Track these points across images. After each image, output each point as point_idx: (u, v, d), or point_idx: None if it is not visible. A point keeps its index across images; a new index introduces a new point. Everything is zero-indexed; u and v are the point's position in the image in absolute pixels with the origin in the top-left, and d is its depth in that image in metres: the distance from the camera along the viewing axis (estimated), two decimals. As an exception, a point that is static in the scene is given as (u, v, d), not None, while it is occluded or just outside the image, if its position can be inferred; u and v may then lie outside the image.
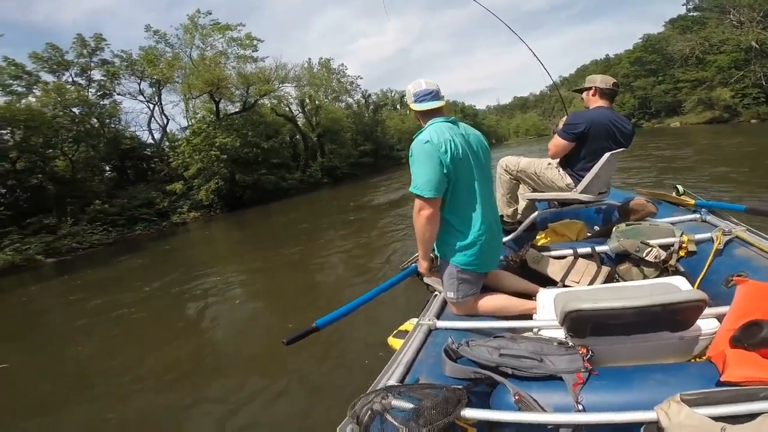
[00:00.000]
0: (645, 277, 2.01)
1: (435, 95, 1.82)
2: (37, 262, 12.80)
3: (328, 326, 1.55)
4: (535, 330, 1.52)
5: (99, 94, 22.04)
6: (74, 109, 19.43)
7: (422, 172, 1.66)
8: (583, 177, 2.48)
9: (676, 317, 1.22)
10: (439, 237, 1.83)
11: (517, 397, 1.13)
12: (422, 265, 1.93)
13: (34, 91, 18.63)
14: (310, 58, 33.59)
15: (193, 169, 20.26)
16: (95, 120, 20.71)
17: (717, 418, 0.90)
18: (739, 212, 2.13)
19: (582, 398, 1.09)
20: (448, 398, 1.12)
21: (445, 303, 1.90)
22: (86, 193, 17.26)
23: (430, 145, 1.66)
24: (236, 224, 15.73)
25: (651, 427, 0.94)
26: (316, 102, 30.57)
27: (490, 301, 1.85)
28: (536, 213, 2.79)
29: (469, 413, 1.07)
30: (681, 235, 2.00)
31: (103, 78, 22.35)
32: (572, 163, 2.55)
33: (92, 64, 21.79)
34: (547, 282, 2.12)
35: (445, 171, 1.66)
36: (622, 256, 2.12)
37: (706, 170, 8.66)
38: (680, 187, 2.67)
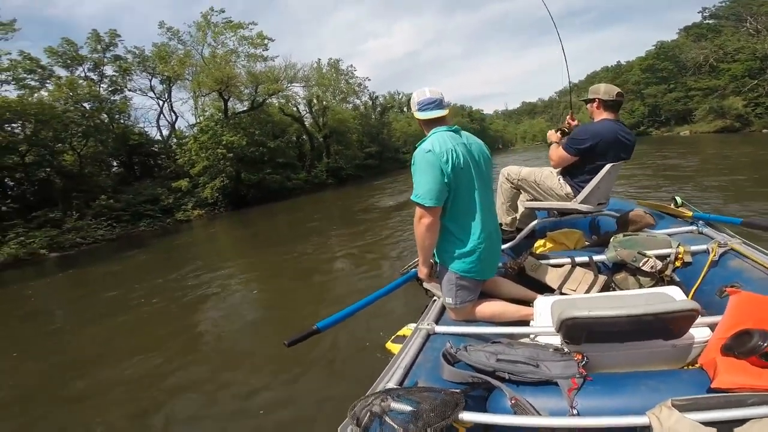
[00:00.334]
0: (641, 286, 2.02)
1: (438, 104, 1.83)
2: (41, 256, 12.77)
3: (329, 329, 1.57)
4: (531, 336, 1.54)
5: (110, 89, 22.11)
6: (85, 104, 19.44)
7: (424, 181, 1.68)
8: (583, 187, 2.50)
9: (669, 326, 1.24)
10: (439, 244, 1.85)
11: (513, 401, 1.15)
12: (422, 271, 1.96)
13: (46, 85, 18.70)
14: (319, 59, 33.51)
15: (199, 166, 20.26)
16: (105, 115, 20.74)
17: (707, 423, 0.92)
18: (735, 225, 2.15)
19: (576, 403, 1.11)
20: (446, 401, 1.14)
21: (443, 308, 1.92)
22: (93, 187, 17.24)
23: (432, 155, 1.68)
24: (240, 223, 15.72)
25: (643, 431, 0.96)
26: (324, 102, 30.50)
27: (488, 307, 1.88)
28: (535, 221, 2.81)
29: (467, 416, 1.09)
30: (677, 246, 2.02)
31: (114, 74, 22.44)
32: (573, 173, 2.57)
33: (105, 60, 21.86)
34: (545, 289, 2.13)
35: (446, 180, 1.68)
36: (618, 266, 2.13)
37: (708, 180, 8.69)
38: (679, 199, 2.69)
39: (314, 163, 28.11)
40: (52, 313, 6.81)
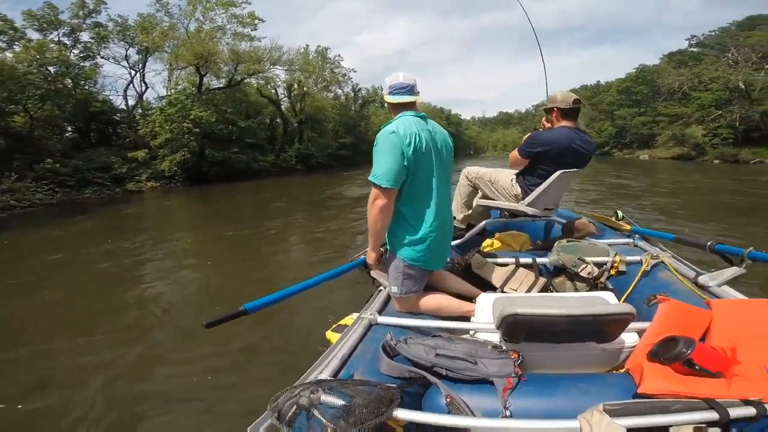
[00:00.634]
0: (577, 290, 2.07)
1: (409, 90, 1.80)
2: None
3: (259, 311, 1.41)
4: (472, 332, 1.50)
5: (82, 55, 20.39)
6: (50, 68, 17.82)
7: (383, 162, 1.62)
8: (533, 191, 2.52)
9: (603, 328, 1.24)
10: (391, 229, 1.79)
11: (448, 399, 1.10)
12: (370, 256, 1.87)
13: (14, 47, 17.06)
14: (308, 45, 31.97)
15: (161, 138, 19.02)
16: (69, 80, 19.04)
17: (634, 430, 0.91)
18: (667, 240, 2.24)
19: (510, 404, 1.08)
20: (380, 397, 1.06)
21: (388, 299, 1.86)
22: (40, 150, 15.59)
23: (396, 136, 1.63)
24: (198, 198, 14.90)
25: None
26: (305, 88, 29.52)
27: (432, 300, 1.83)
28: (487, 221, 2.82)
29: (401, 414, 1.02)
30: (614, 256, 2.07)
31: (90, 41, 20.70)
32: (526, 176, 2.59)
33: (84, 26, 20.10)
34: (488, 287, 2.13)
35: (405, 163, 1.62)
36: (559, 270, 2.18)
37: (651, 200, 9.39)
38: (620, 213, 2.81)
39: (285, 148, 27.18)
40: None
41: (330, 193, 13.32)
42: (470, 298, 1.90)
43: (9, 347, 3.15)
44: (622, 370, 1.29)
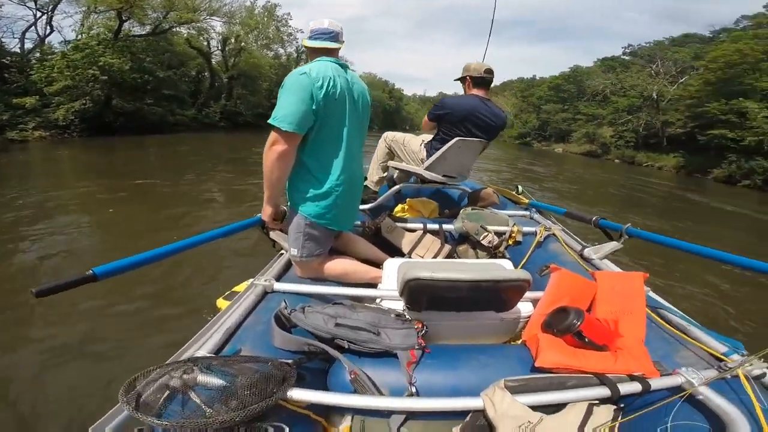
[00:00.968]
0: (478, 258, 2.10)
1: (334, 36, 1.57)
2: None
3: (113, 277, 1.06)
4: (377, 300, 1.40)
5: None
6: None
7: (287, 103, 1.38)
8: None
9: (502, 295, 1.22)
10: (292, 182, 1.56)
11: (352, 376, 0.98)
12: (266, 212, 1.60)
13: None
14: None
15: (58, 85, 15.60)
16: None
17: (536, 407, 0.89)
18: (560, 214, 2.37)
19: (415, 379, 1.00)
20: (270, 376, 0.89)
21: (289, 264, 1.65)
22: None
23: (307, 77, 1.39)
24: (96, 150, 12.54)
25: (477, 414, 0.89)
26: (242, 44, 26.47)
27: (337, 264, 1.66)
28: (400, 186, 2.73)
29: (296, 394, 0.87)
30: (513, 226, 2.13)
31: None
32: (432, 142, 2.53)
33: None
34: (396, 253, 2.05)
35: (314, 107, 1.40)
36: (463, 238, 2.19)
37: (551, 184, 10.94)
38: (520, 187, 2.92)
39: (209, 103, 24.43)
40: None
41: (258, 151, 12.17)
42: (379, 264, 1.77)
43: None
44: (519, 341, 1.29)
